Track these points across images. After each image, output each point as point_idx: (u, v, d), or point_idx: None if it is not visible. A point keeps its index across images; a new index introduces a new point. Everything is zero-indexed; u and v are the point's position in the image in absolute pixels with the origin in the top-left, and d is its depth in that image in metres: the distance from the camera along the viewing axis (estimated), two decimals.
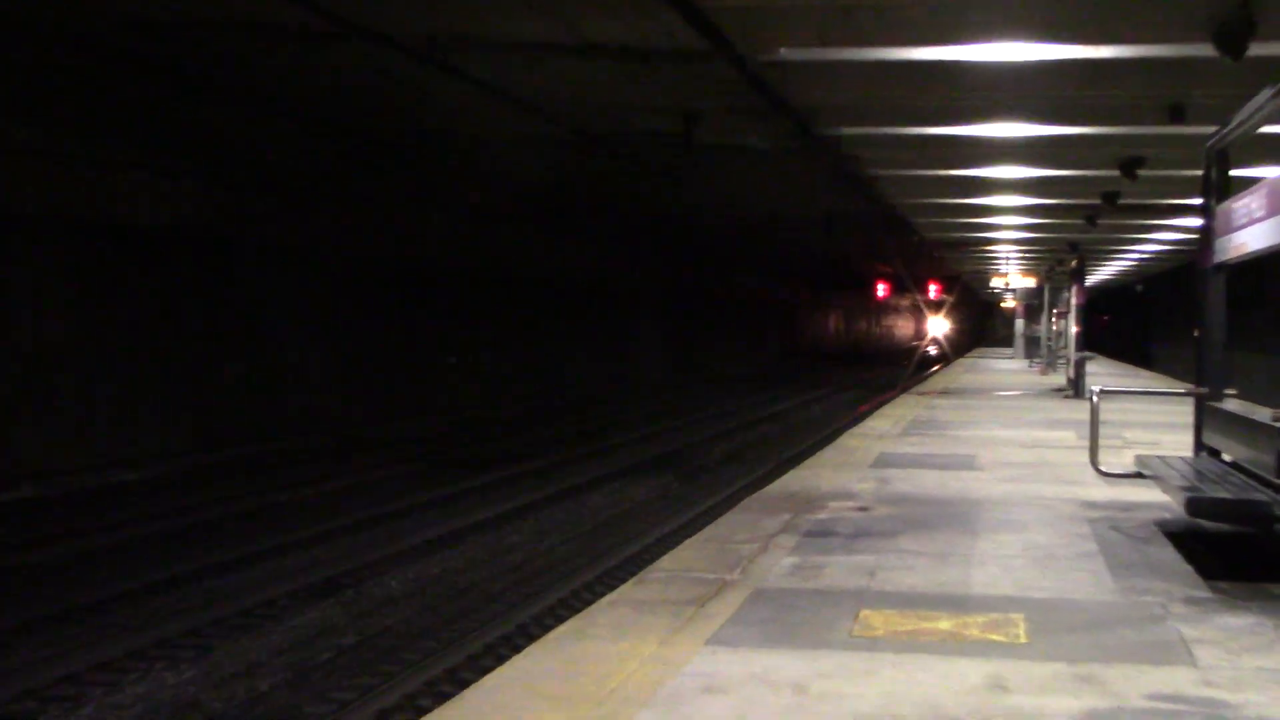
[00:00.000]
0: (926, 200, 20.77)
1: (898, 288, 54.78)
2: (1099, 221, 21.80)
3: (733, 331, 48.24)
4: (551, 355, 29.89)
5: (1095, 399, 8.46)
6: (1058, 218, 22.48)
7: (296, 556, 11.01)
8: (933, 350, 67.55)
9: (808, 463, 11.41)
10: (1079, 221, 22.22)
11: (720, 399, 30.96)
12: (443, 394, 23.96)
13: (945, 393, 23.12)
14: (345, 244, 20.49)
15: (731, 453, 19.80)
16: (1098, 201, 19.20)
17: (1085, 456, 8.84)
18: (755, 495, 9.27)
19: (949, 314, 67.97)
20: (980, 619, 5.37)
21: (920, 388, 25.98)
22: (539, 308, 28.95)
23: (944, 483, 9.83)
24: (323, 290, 20.36)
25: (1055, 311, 33.40)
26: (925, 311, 65.27)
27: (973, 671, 4.59)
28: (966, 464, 11.21)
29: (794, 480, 9.95)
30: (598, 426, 23.23)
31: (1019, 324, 42.14)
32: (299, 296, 19.83)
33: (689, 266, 41.21)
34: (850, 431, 15.02)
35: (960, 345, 64.83)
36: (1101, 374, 28.33)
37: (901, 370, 47.49)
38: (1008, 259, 32.78)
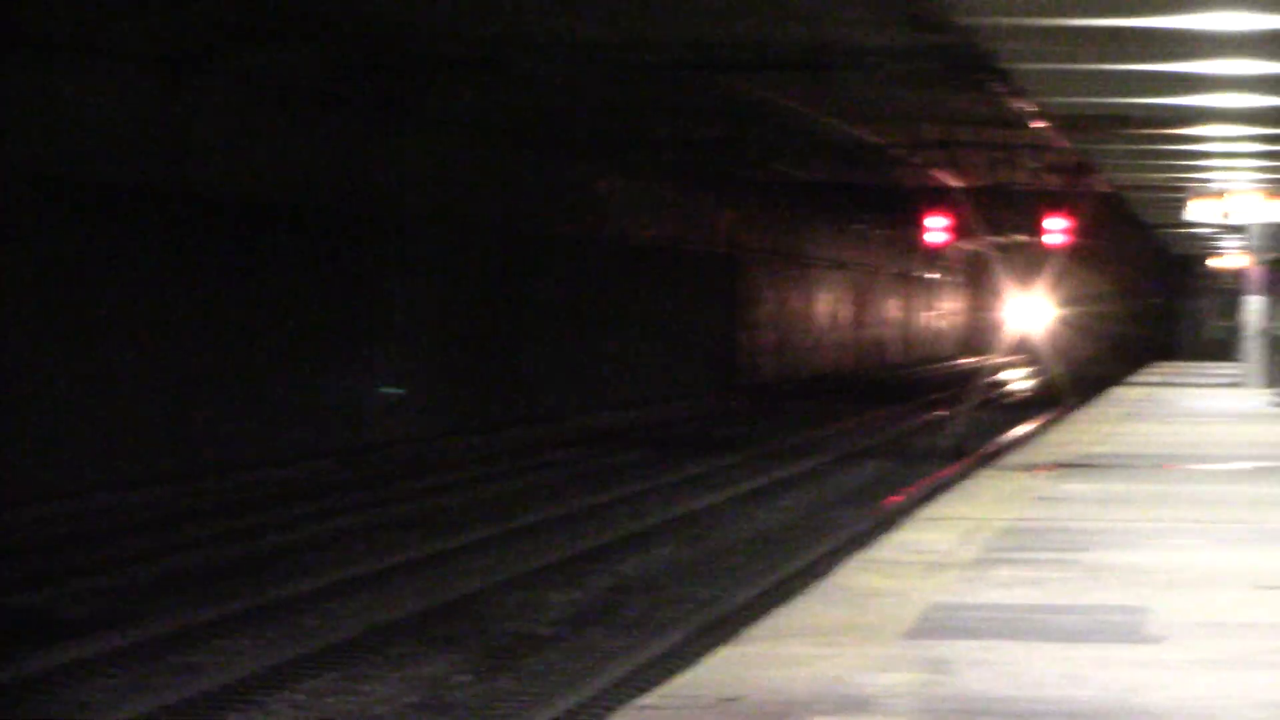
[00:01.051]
0: (1046, 22, 21.03)
1: (968, 225, 55.36)
2: None
3: (609, 326, 48.35)
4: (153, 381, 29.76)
5: None
6: None
7: None
8: (1025, 374, 68.17)
9: (764, 628, 11.58)
10: None
11: (567, 485, 31.06)
12: None
13: (1078, 465, 23.55)
14: None
15: (592, 606, 20.02)
16: None
17: None
18: (645, 704, 9.35)
19: (1084, 283, 68.94)
20: None
21: (1020, 455, 26.38)
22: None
23: (1075, 673, 9.98)
24: None
25: None
26: (1023, 277, 65.99)
27: None
28: (1127, 629, 11.44)
29: (732, 670, 10.03)
30: (279, 548, 23.40)
31: (1253, 307, 42.85)
32: None
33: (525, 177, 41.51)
34: (864, 555, 15.19)
35: (1105, 358, 65.75)
36: None
37: (968, 410, 48.03)
38: (1225, 161, 33.30)
